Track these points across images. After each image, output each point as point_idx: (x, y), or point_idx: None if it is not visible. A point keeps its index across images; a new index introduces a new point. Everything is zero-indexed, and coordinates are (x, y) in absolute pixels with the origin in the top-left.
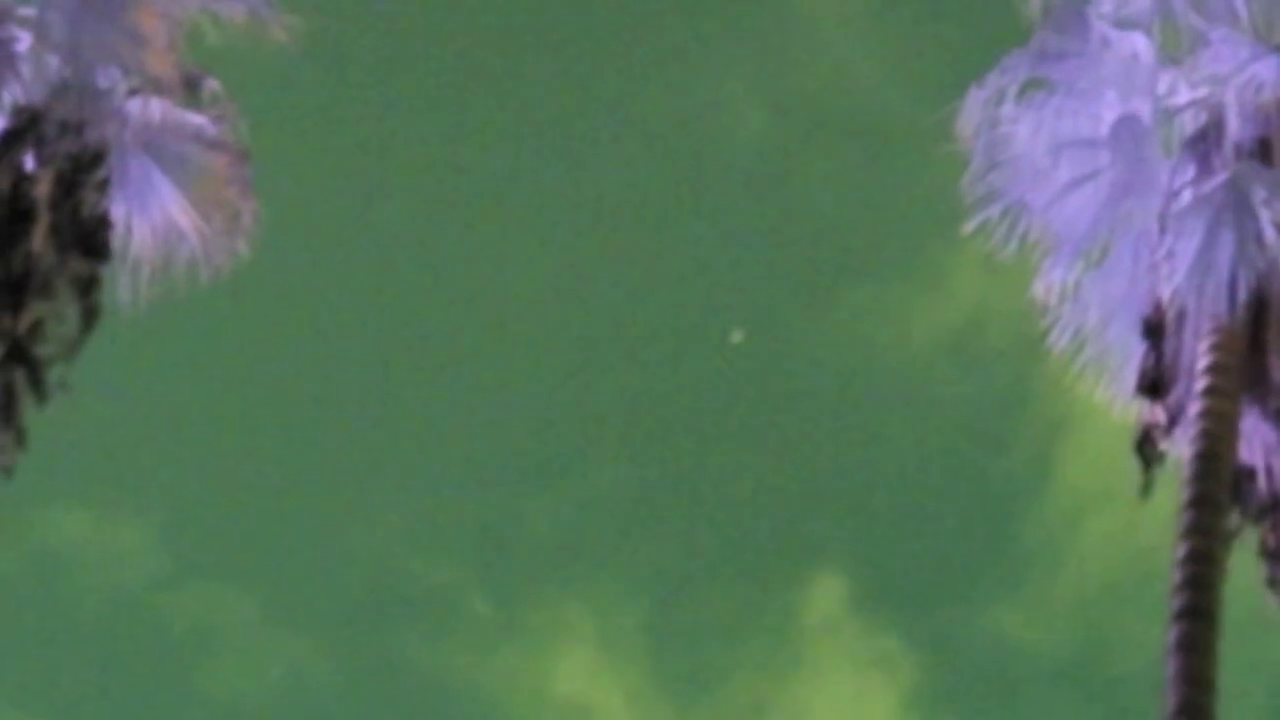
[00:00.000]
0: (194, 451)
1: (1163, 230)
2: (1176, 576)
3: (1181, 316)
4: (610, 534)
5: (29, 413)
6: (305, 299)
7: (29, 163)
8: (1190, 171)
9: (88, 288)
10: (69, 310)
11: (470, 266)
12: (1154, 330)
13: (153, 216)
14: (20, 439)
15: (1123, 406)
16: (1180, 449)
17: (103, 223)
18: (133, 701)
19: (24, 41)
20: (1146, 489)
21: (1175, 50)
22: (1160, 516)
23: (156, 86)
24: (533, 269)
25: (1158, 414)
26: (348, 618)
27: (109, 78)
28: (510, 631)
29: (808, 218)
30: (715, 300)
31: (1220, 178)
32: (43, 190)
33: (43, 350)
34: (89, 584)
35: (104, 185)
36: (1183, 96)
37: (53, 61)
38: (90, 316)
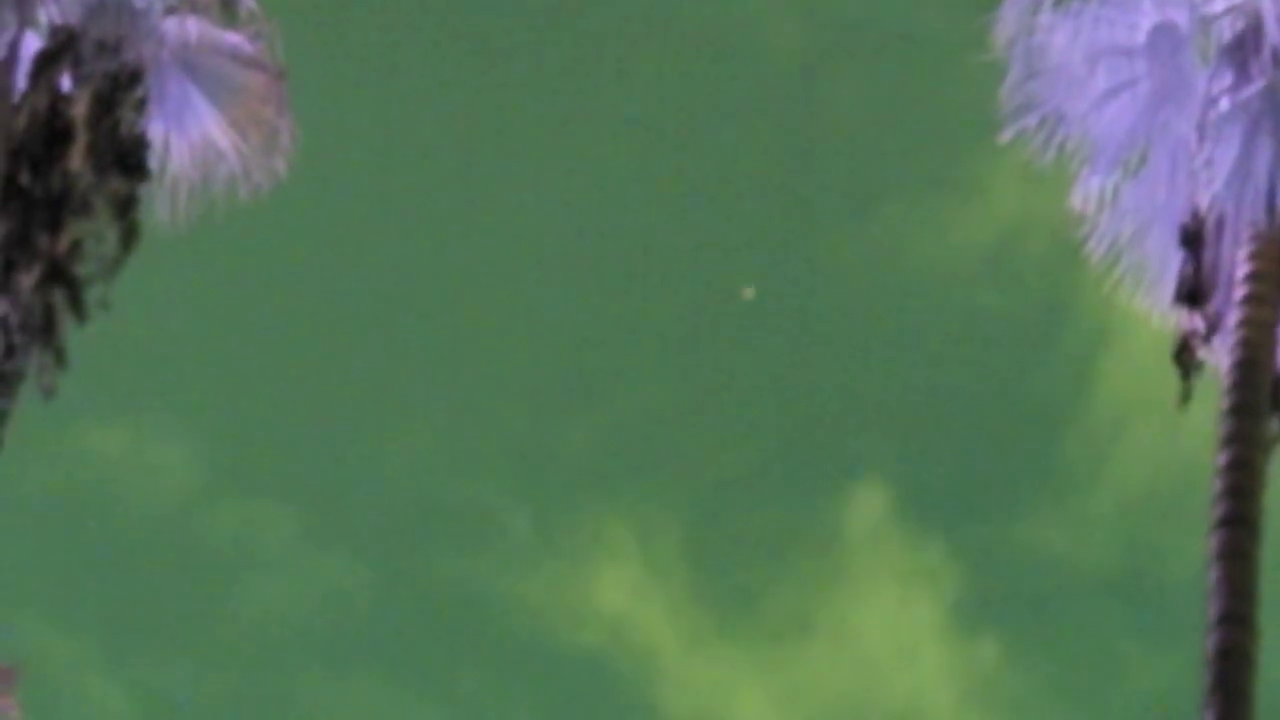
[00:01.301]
0: (232, 369)
1: (1200, 138)
2: (1217, 485)
3: (1220, 224)
4: (650, 450)
5: (68, 332)
6: (343, 217)
7: (66, 83)
8: (1228, 79)
9: (126, 207)
10: (108, 230)
11: (507, 184)
12: (1192, 239)
13: (190, 135)
14: (60, 359)
15: (1161, 316)
16: (1219, 357)
17: (140, 142)
18: (171, 617)
19: None
20: (1186, 398)
21: None
22: (1202, 426)
23: (193, 5)
24: (568, 186)
25: (1196, 322)
26: (387, 534)
27: None
28: (551, 548)
29: (844, 130)
30: (752, 216)
31: (1258, 84)
32: (80, 110)
33: (82, 270)
34: (127, 501)
35: (141, 104)
36: (1220, 3)
37: None
38: (129, 236)
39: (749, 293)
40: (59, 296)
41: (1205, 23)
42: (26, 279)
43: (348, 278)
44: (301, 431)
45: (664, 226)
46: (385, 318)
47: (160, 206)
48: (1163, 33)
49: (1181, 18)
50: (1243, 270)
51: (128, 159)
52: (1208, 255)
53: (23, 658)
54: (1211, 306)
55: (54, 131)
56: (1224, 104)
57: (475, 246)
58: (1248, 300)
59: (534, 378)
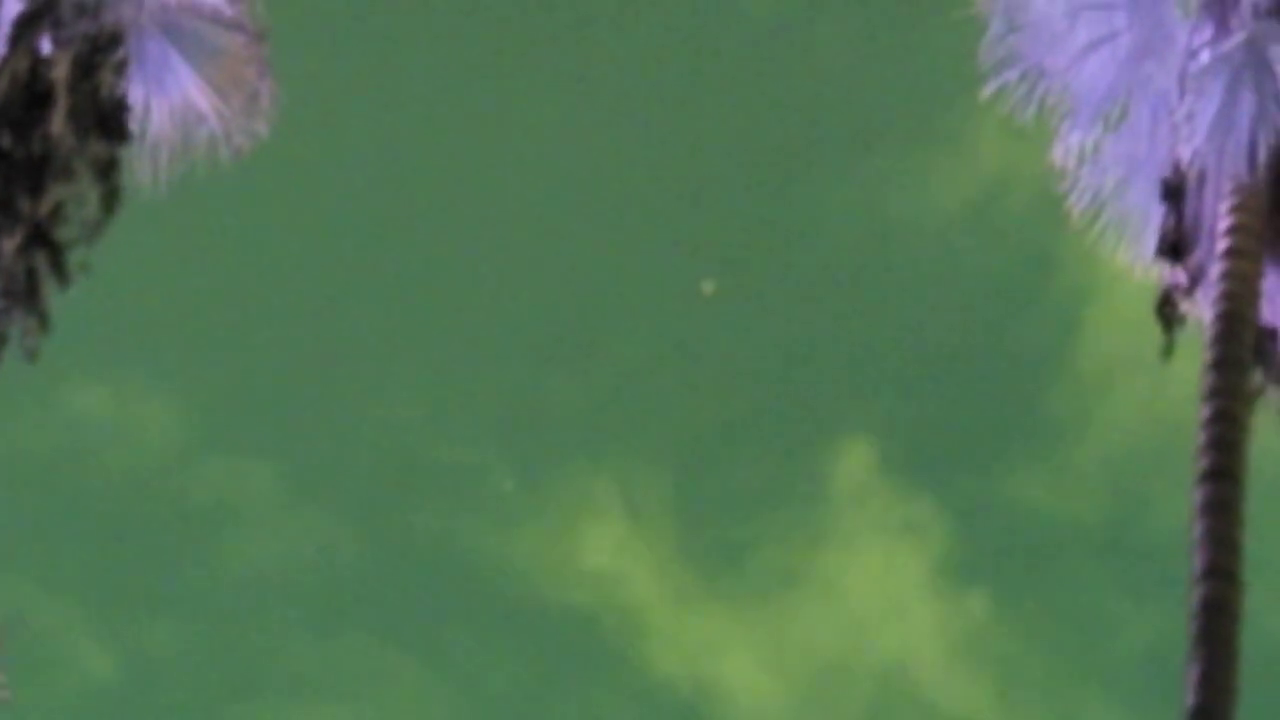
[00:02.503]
0: (215, 328)
1: (1181, 91)
2: (1201, 438)
3: (1201, 178)
4: (636, 407)
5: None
6: (324, 178)
7: (46, 45)
8: (1208, 32)
9: (107, 170)
10: (89, 193)
11: (490, 143)
12: (1174, 192)
13: (171, 98)
14: (44, 322)
15: (1144, 269)
16: (1202, 311)
17: (121, 105)
18: (155, 576)
19: None
20: (1168, 352)
21: None
22: (1186, 379)
23: None
24: (551, 145)
25: (1179, 276)
26: (371, 492)
27: None
28: (536, 506)
29: (824, 84)
30: (733, 169)
31: (1238, 37)
32: (60, 73)
33: (64, 234)
34: (110, 460)
35: (122, 67)
36: None
37: None
38: (111, 199)
39: (709, 287)
40: (41, 260)
41: None
42: (8, 243)
43: (330, 238)
44: (285, 389)
45: (646, 183)
46: (368, 276)
47: (141, 169)
48: None
49: None
50: (1224, 223)
51: (108, 122)
52: (1189, 208)
53: (5, 619)
54: (1194, 260)
55: (34, 95)
56: (1205, 57)
57: (459, 204)
58: (1230, 253)
59: (519, 335)
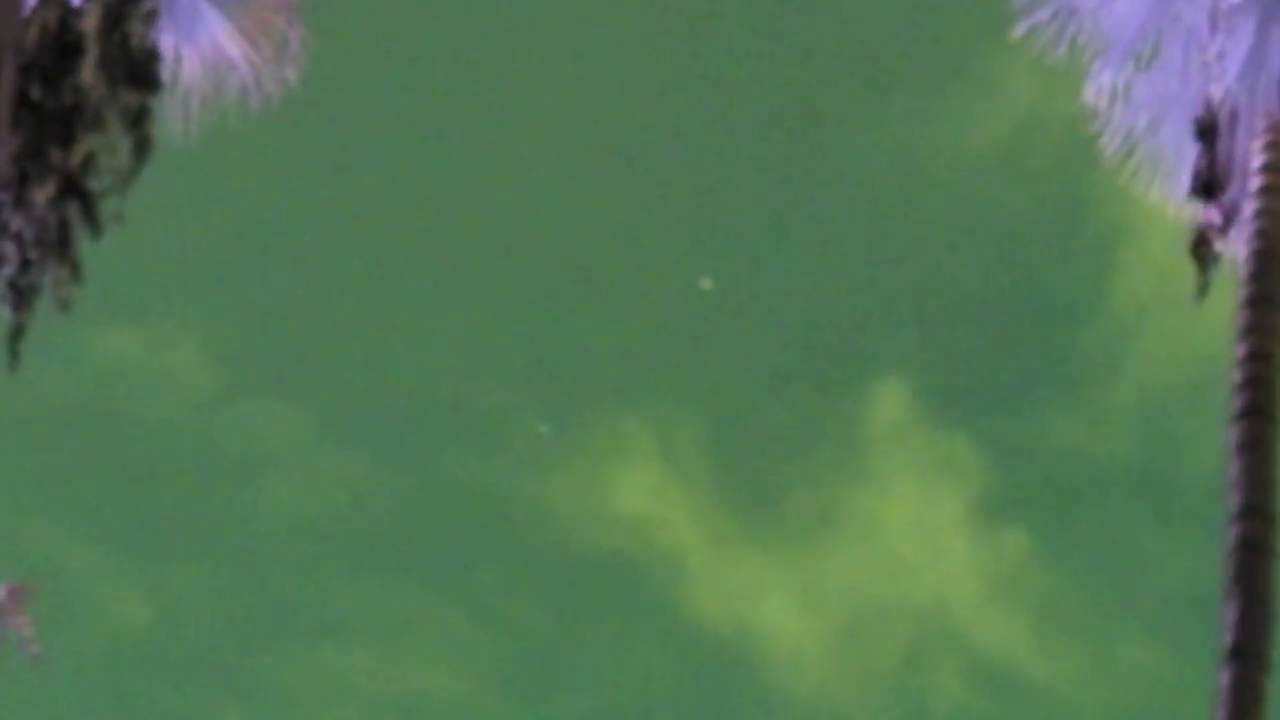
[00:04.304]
0: (246, 272)
1: (1213, 29)
2: (1236, 376)
3: (1234, 116)
4: (669, 350)
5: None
6: (355, 123)
7: None
8: None
9: (138, 120)
10: (120, 143)
11: (521, 85)
12: (1206, 131)
13: (201, 46)
14: (76, 273)
15: (1178, 208)
16: (1236, 249)
17: (151, 54)
18: (188, 522)
19: None
20: (1203, 291)
21: None
22: (1221, 318)
23: None
24: (581, 88)
25: (1212, 215)
26: (404, 436)
27: None
28: (570, 449)
29: (855, 24)
30: (765, 111)
31: None
32: (90, 24)
33: (96, 183)
34: (141, 406)
35: (151, 16)
36: None
37: None
38: (142, 148)
39: (707, 283)
40: (73, 210)
41: None
42: (41, 194)
43: (361, 183)
44: (317, 333)
45: (677, 125)
46: (400, 220)
47: (172, 118)
48: None
49: None
50: (1257, 161)
51: (139, 71)
52: (1222, 147)
53: (38, 567)
54: (1227, 198)
55: (64, 45)
56: None
57: (491, 147)
58: (1263, 191)
59: (553, 277)
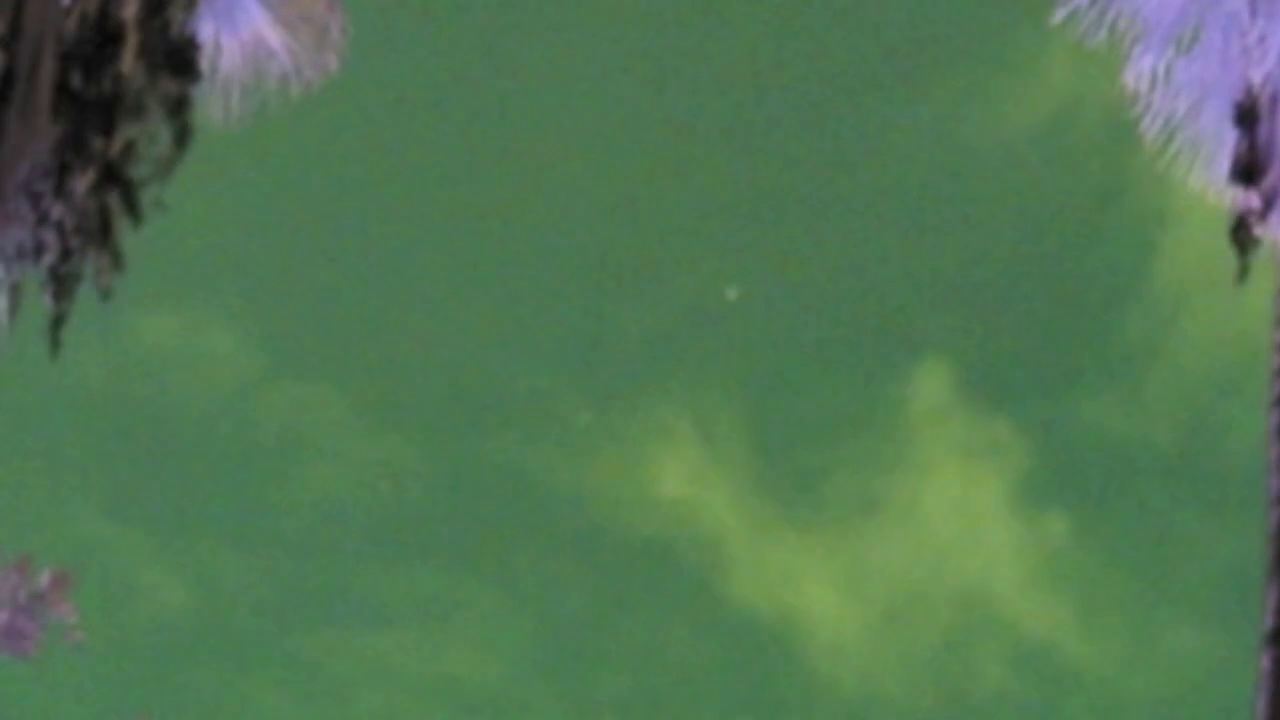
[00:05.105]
0: (286, 257)
1: (1253, 13)
2: (1275, 362)
3: (1274, 100)
4: (709, 336)
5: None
6: (396, 109)
7: None
8: None
9: (179, 108)
10: (161, 131)
11: (559, 72)
12: (1246, 115)
13: (241, 34)
14: (117, 261)
15: (1218, 193)
16: (1276, 234)
17: (191, 43)
18: (226, 505)
19: None
20: (1243, 276)
21: None
22: (1261, 302)
23: None
24: (623, 68)
25: (1252, 200)
26: (442, 420)
27: None
28: (609, 433)
29: (897, 8)
30: (807, 93)
31: None
32: (130, 11)
33: (136, 172)
34: (181, 390)
35: (191, 4)
36: None
37: None
38: (182, 136)
39: (732, 294)
40: (114, 198)
41: None
42: (81, 182)
43: (401, 168)
44: (355, 318)
45: (718, 108)
46: (439, 205)
47: (212, 106)
48: None
49: None
50: None
51: (179, 60)
52: (1262, 132)
53: (79, 550)
54: (1267, 182)
55: (104, 34)
56: None
57: (533, 134)
58: None
59: (591, 262)
